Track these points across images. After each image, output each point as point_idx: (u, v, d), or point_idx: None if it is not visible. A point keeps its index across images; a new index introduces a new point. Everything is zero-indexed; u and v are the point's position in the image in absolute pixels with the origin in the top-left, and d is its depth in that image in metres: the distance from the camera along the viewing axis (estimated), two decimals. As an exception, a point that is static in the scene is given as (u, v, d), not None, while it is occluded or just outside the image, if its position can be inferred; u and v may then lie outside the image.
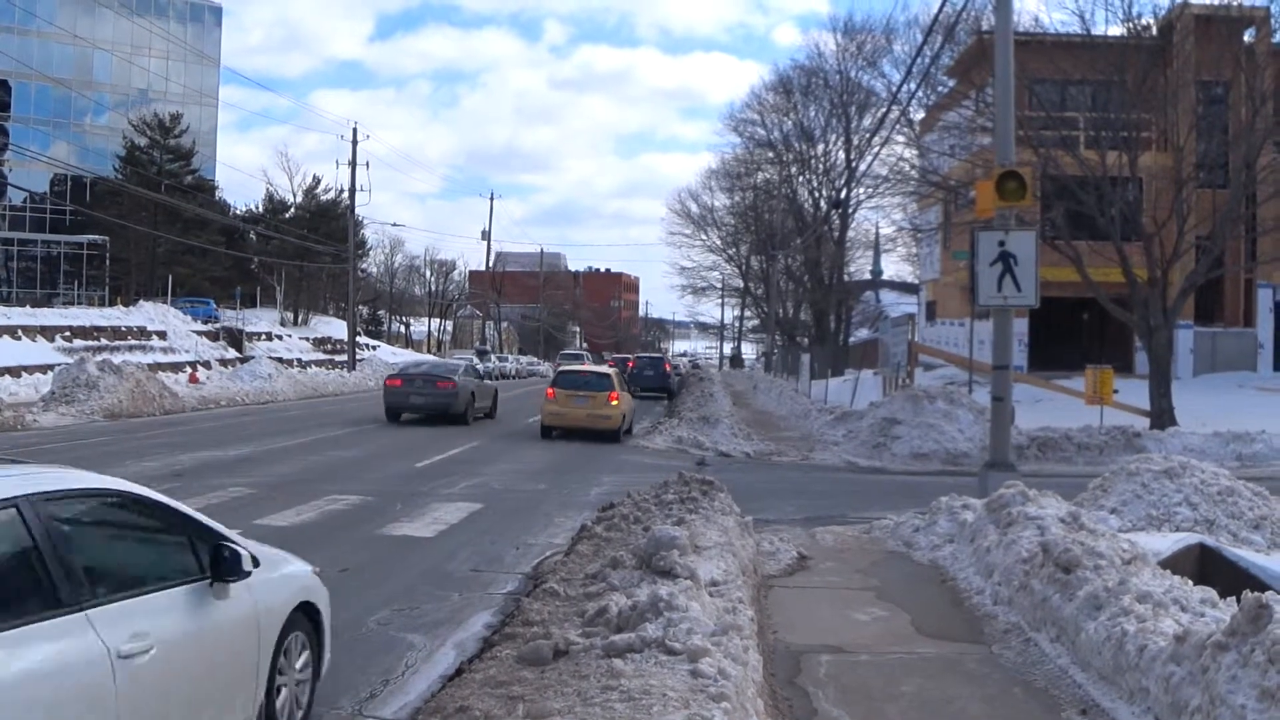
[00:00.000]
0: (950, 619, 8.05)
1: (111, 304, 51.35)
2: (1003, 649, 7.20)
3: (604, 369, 27.05)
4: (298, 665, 5.43)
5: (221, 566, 4.67)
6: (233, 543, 4.85)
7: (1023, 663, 6.89)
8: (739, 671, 5.35)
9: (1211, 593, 6.73)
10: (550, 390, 23.57)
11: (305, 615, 5.51)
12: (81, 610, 3.85)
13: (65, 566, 3.88)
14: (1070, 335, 33.54)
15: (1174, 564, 8.12)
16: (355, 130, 50.20)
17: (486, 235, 78.72)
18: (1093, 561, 7.17)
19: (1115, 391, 21.66)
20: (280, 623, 5.20)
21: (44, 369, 31.43)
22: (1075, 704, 6.08)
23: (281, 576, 5.40)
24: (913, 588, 9.05)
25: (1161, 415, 22.39)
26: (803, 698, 6.13)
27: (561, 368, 30.14)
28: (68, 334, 39.19)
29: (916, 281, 54.54)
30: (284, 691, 5.25)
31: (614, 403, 23.09)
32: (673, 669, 5.23)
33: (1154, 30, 25.03)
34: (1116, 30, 26.03)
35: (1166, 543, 8.86)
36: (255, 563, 4.99)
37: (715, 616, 6.28)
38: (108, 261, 61.72)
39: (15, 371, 31.33)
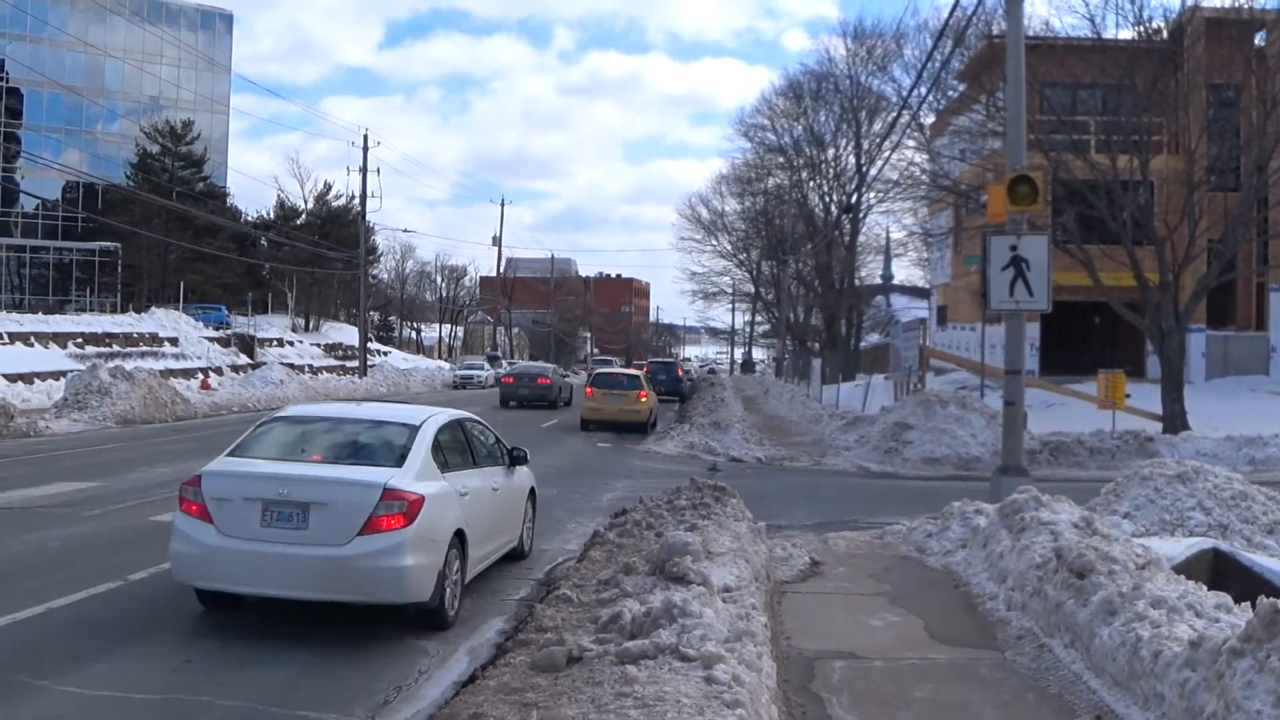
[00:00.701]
0: (963, 625, 8.04)
1: (123, 310, 51.60)
2: (1016, 655, 7.19)
3: (634, 371, 31.35)
4: (529, 519, 10.41)
5: (514, 459, 9.78)
6: (518, 449, 9.94)
7: (1036, 668, 6.88)
8: (753, 678, 5.36)
9: (1226, 598, 6.69)
10: (589, 389, 27.51)
11: (531, 494, 10.49)
12: (480, 468, 8.84)
13: (473, 447, 8.91)
14: (1082, 339, 33.44)
15: (1188, 569, 8.07)
16: (366, 137, 50.13)
17: (497, 241, 78.92)
18: (1106, 567, 7.15)
19: (1127, 396, 21.62)
20: (526, 494, 10.24)
21: (56, 375, 31.60)
22: (1089, 710, 6.06)
23: (525, 471, 10.21)
24: (926, 593, 9.04)
25: (1174, 419, 22.30)
26: (816, 704, 6.13)
27: (597, 371, 34.03)
28: (80, 341, 39.41)
29: (927, 286, 54.36)
30: (525, 535, 10.16)
31: (643, 400, 27.00)
32: (687, 675, 5.23)
33: (1164, 34, 24.93)
34: (1127, 34, 25.98)
35: (1180, 548, 8.81)
36: None
37: (729, 623, 6.28)
38: (120, 268, 61.99)
39: (28, 378, 31.51)
